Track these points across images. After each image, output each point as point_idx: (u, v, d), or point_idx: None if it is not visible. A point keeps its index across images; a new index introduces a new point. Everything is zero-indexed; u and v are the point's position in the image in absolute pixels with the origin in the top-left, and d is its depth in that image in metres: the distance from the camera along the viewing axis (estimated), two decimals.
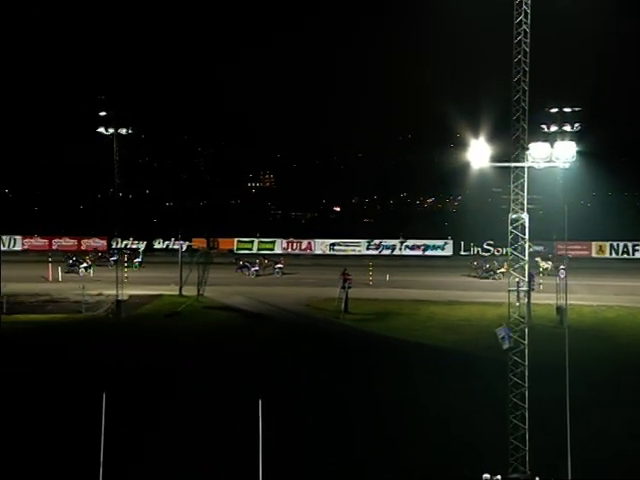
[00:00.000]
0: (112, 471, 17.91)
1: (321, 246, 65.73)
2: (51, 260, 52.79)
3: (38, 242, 66.57)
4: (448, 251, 63.84)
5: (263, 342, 34.53)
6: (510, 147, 18.91)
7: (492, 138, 20.47)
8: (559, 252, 52.06)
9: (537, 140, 19.88)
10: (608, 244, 62.74)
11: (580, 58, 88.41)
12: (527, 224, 18.93)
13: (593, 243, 62.50)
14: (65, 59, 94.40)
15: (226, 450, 20.97)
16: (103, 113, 60.07)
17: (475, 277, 52.09)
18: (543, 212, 53.22)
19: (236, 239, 65.90)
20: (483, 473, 17.77)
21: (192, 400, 24.82)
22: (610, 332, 36.64)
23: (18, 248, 65.99)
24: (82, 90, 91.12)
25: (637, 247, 62.19)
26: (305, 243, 66.04)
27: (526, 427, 18.53)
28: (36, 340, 35.16)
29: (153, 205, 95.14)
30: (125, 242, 63.68)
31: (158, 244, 65.89)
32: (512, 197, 18.99)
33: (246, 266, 53.21)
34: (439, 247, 64.37)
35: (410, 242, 64.77)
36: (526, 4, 18.32)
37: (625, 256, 62.00)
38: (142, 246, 64.52)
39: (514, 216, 18.99)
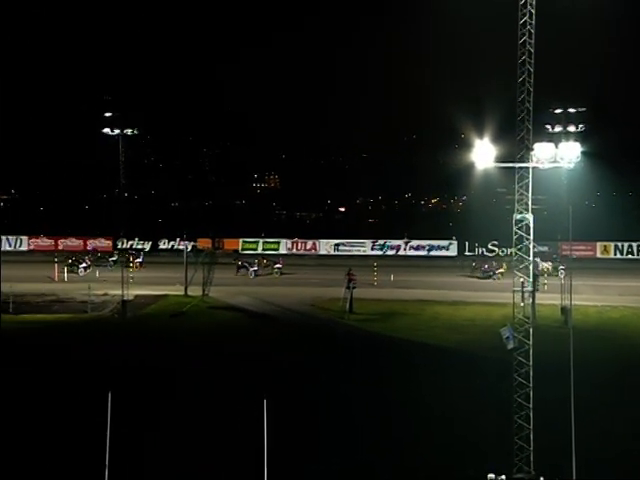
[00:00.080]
0: (117, 470, 17.96)
1: (326, 246, 65.82)
2: (57, 260, 53.02)
3: (44, 242, 66.75)
4: (452, 251, 63.86)
5: (268, 342, 34.61)
6: (515, 147, 18.94)
7: (497, 138, 20.53)
8: (564, 253, 52.09)
9: (542, 140, 19.92)
10: (613, 244, 62.69)
11: (585, 59, 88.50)
12: (532, 224, 18.96)
13: (598, 243, 62.45)
14: (71, 60, 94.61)
15: (231, 450, 21.04)
16: (109, 114, 60.38)
17: (473, 277, 52.17)
18: (548, 212, 53.36)
19: (241, 239, 66.03)
20: (487, 473, 17.83)
21: (197, 400, 24.89)
22: (615, 332, 36.65)
23: (24, 248, 66.24)
24: (88, 91, 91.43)
25: None
26: (310, 243, 66.14)
27: (530, 427, 18.55)
28: (42, 340, 35.30)
29: (158, 205, 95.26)
30: (130, 242, 63.88)
31: (163, 244, 66.03)
32: (517, 197, 19.01)
33: (245, 266, 53.31)
34: (443, 247, 64.41)
35: (415, 242, 64.81)
36: (531, 5, 18.35)
37: (630, 256, 61.95)
38: (147, 246, 64.74)
39: (519, 216, 19.00)
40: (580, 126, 49.54)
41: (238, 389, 25.56)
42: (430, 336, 35.76)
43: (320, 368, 29.56)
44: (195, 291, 45.09)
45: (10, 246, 65.41)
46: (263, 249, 64.90)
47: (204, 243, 57.47)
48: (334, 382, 27.55)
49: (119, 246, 62.48)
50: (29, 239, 67.04)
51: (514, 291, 18.98)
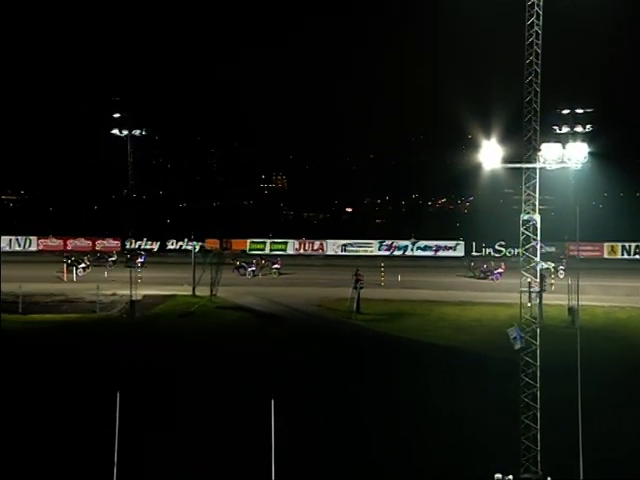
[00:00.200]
0: (126, 469, 18.08)
1: (333, 247, 65.89)
2: (66, 260, 53.21)
3: (53, 242, 66.98)
4: (460, 252, 63.85)
5: (275, 342, 34.70)
6: (522, 148, 18.97)
7: (504, 139, 20.57)
8: (571, 253, 52.04)
9: (549, 141, 19.95)
10: (620, 245, 62.58)
11: (593, 59, 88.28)
12: (539, 225, 18.99)
13: (605, 244, 62.34)
14: (80, 62, 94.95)
15: (238, 449, 21.12)
16: (117, 115, 60.48)
17: (472, 278, 52.21)
18: (555, 213, 53.26)
19: (249, 240, 66.14)
20: (495, 473, 17.87)
21: (205, 399, 24.99)
22: (622, 333, 36.64)
23: (33, 248, 66.54)
24: (96, 92, 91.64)
25: None
26: (317, 244, 66.21)
27: (538, 427, 18.58)
28: (51, 340, 35.44)
29: (167, 206, 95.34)
30: (139, 243, 64.08)
31: (171, 245, 66.23)
32: (524, 198, 19.04)
33: (243, 266, 53.40)
34: (451, 248, 64.41)
35: (422, 243, 64.83)
36: (538, 5, 18.39)
37: (637, 257, 61.81)
38: (156, 247, 64.93)
39: (526, 217, 19.03)
40: (587, 127, 49.44)
41: (246, 389, 25.64)
42: (438, 336, 35.80)
43: (327, 368, 29.61)
44: (203, 291, 45.23)
45: (19, 246, 65.86)
46: (271, 249, 65.00)
47: (212, 243, 57.64)
48: (342, 382, 27.61)
49: (127, 246, 62.67)
50: (38, 239, 67.30)
51: (521, 291, 19.01)
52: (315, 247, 66.06)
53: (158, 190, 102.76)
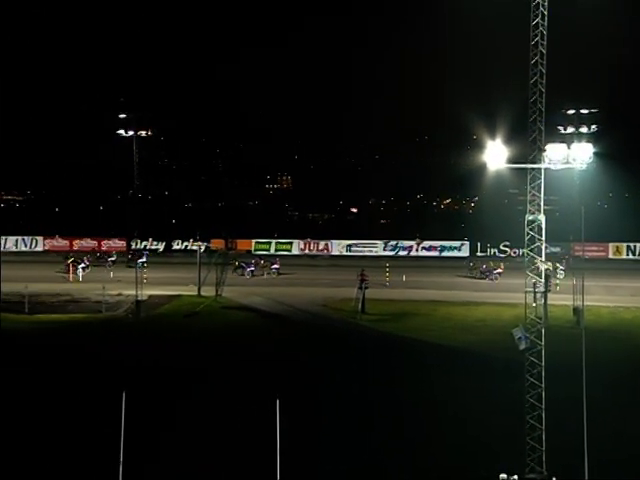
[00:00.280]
0: (131, 469, 18.14)
1: (338, 247, 65.92)
2: (72, 261, 53.34)
3: (59, 243, 67.10)
4: (464, 252, 63.83)
5: (280, 342, 34.76)
6: (527, 148, 19.00)
7: (509, 140, 20.58)
8: (576, 253, 52.00)
9: (554, 141, 19.96)
10: (625, 245, 62.53)
11: (598, 60, 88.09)
12: (544, 225, 19.02)
13: (610, 244, 62.29)
14: (86, 62, 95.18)
15: (243, 449, 21.16)
16: (123, 115, 60.66)
17: (472, 278, 52.21)
18: (560, 213, 53.16)
19: (254, 240, 66.22)
20: (500, 473, 17.90)
21: (210, 399, 25.05)
22: (627, 333, 36.60)
23: (39, 249, 66.69)
24: (102, 93, 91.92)
25: None
26: (322, 244, 66.25)
27: (543, 427, 18.61)
28: (57, 340, 35.54)
29: (172, 206, 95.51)
30: (144, 243, 64.20)
31: (177, 245, 66.34)
32: (529, 198, 19.07)
33: (242, 266, 53.45)
34: (455, 248, 64.39)
35: (427, 243, 64.83)
36: (543, 6, 18.40)
37: None
38: (161, 247, 65.05)
39: (531, 217, 19.07)
40: (592, 127, 49.52)
41: (251, 389, 25.69)
42: (442, 336, 35.82)
43: (332, 368, 29.63)
44: (208, 291, 45.30)
45: (26, 246, 66.09)
46: (276, 250, 65.08)
47: (217, 244, 57.68)
48: (346, 382, 27.64)
49: (133, 247, 62.81)
50: (44, 239, 67.43)
51: (526, 292, 19.03)
52: (320, 247, 66.10)
53: (163, 190, 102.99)
